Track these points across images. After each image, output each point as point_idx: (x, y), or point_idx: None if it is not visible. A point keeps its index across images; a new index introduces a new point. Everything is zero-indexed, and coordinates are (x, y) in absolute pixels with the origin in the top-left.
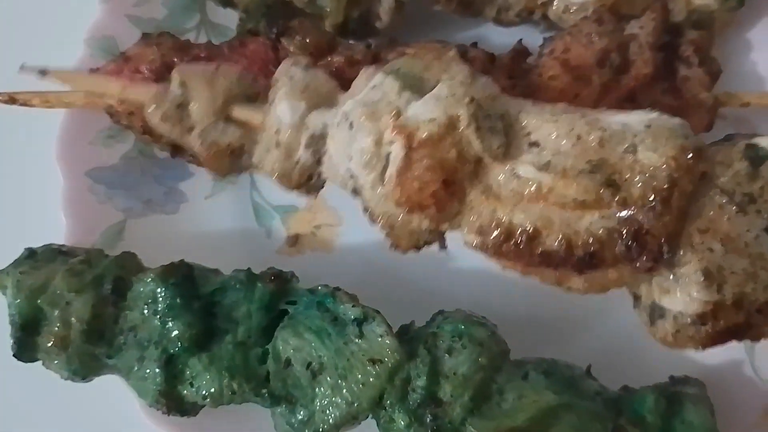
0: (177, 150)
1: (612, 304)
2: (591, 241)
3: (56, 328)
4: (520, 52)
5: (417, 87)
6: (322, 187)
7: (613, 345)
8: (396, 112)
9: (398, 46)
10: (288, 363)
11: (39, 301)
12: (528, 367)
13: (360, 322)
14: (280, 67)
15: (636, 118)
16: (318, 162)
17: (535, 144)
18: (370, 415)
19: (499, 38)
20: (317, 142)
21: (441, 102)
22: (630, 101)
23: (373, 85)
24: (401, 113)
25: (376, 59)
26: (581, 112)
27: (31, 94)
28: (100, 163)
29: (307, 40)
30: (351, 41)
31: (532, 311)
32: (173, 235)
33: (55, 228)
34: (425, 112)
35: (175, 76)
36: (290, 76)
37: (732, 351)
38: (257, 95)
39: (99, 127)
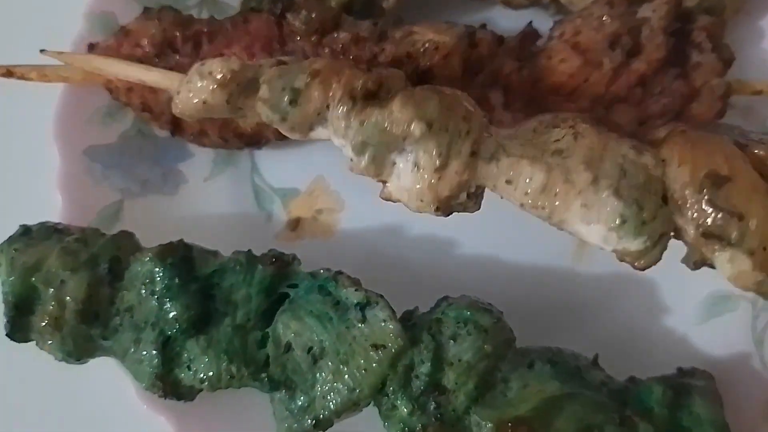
0: (177, 129)
1: (620, 293)
2: None
3: (50, 308)
4: (529, 34)
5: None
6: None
7: (620, 335)
8: None
9: (405, 25)
10: (288, 347)
11: (33, 279)
12: (533, 356)
13: (362, 307)
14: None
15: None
16: None
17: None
18: (372, 402)
19: (508, 22)
20: None
21: None
22: (641, 86)
23: None
24: None
25: (382, 37)
26: None
27: (29, 68)
28: (97, 142)
29: (313, 16)
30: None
31: (539, 299)
32: (171, 217)
33: (50, 207)
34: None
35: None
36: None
37: (740, 343)
38: None
39: (97, 104)
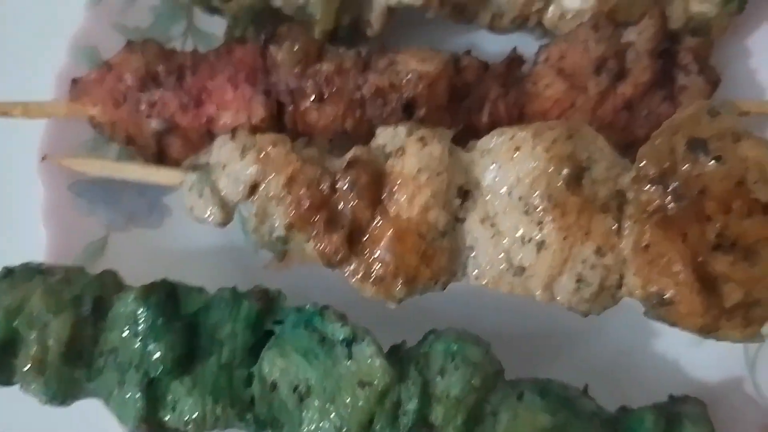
0: (163, 161)
1: (610, 319)
2: None
3: (33, 351)
4: (515, 59)
5: None
6: None
7: (611, 362)
8: None
9: (389, 53)
10: (274, 386)
11: (16, 322)
12: (523, 388)
13: (349, 343)
14: None
15: None
16: None
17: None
18: None
19: (494, 46)
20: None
21: None
22: (627, 110)
23: None
24: None
25: (366, 67)
26: None
27: (11, 104)
28: (82, 176)
29: (296, 47)
30: (340, 48)
31: (528, 328)
32: (157, 250)
33: (35, 243)
34: None
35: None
36: None
37: (732, 368)
38: None
39: (81, 138)
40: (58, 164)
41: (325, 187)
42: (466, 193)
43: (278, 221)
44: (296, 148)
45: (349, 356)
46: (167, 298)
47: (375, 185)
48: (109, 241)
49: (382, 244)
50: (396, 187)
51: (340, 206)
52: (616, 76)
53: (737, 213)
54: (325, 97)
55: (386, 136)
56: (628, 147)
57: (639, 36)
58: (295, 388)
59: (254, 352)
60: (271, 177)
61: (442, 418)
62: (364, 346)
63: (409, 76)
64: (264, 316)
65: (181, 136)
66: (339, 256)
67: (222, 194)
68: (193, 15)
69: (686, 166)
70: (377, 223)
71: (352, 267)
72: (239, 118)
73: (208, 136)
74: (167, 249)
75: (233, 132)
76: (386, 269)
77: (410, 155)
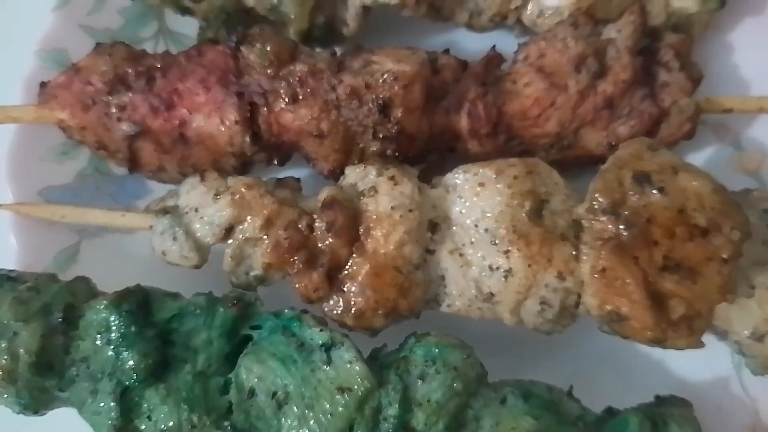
0: (135, 165)
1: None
2: None
3: (3, 361)
4: (493, 58)
5: None
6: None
7: (596, 362)
8: None
9: (364, 53)
10: (252, 393)
11: None
12: (506, 391)
13: (328, 348)
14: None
15: None
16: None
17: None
18: None
19: (473, 44)
20: None
21: None
22: (608, 108)
23: None
24: None
25: (340, 67)
26: None
27: None
28: (52, 182)
29: (268, 48)
30: (314, 49)
31: (512, 328)
32: (131, 255)
33: (6, 251)
34: None
35: None
36: None
37: (719, 368)
38: None
39: (51, 143)
40: (16, 211)
41: (303, 228)
42: (435, 227)
43: (256, 262)
44: (269, 189)
45: (328, 362)
46: (140, 305)
47: (351, 224)
48: (81, 247)
49: (360, 279)
50: (372, 225)
51: (319, 245)
52: (596, 74)
53: (680, 237)
54: (300, 98)
55: (356, 176)
56: (611, 147)
57: (619, 33)
58: (274, 395)
59: (231, 358)
60: (248, 219)
61: (424, 423)
62: (343, 351)
63: (384, 77)
64: (240, 323)
65: (152, 141)
66: (319, 294)
67: (197, 237)
68: (164, 16)
69: (634, 197)
70: (355, 259)
71: (331, 303)
72: (212, 121)
73: (181, 139)
74: (141, 254)
75: (202, 174)
76: (366, 303)
77: (383, 194)
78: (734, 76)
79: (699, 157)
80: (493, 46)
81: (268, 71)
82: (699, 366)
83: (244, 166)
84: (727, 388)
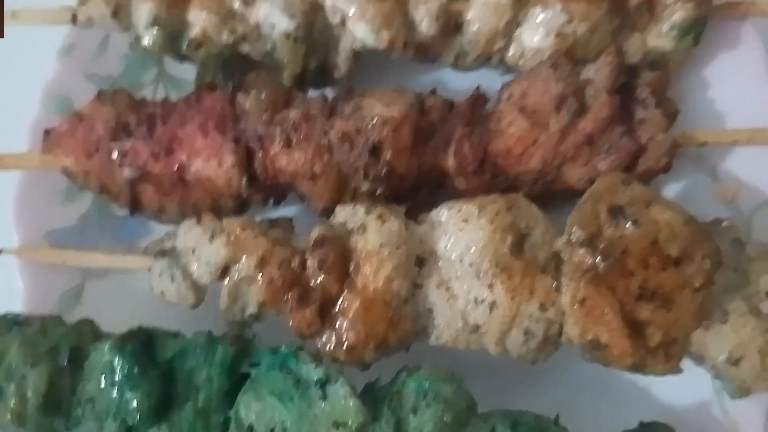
0: (136, 207)
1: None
2: None
3: (12, 403)
4: (478, 99)
5: None
6: None
7: (581, 390)
8: None
9: (354, 97)
10: (251, 429)
11: None
12: (495, 421)
13: (323, 384)
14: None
15: None
16: None
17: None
18: None
19: (459, 82)
20: None
21: None
22: (588, 145)
23: None
24: None
25: (332, 112)
26: None
27: None
28: (57, 225)
29: (263, 95)
30: (307, 94)
31: (498, 358)
32: (133, 295)
33: (13, 293)
34: None
35: None
36: None
37: (700, 392)
38: None
39: (56, 188)
40: (18, 255)
41: (295, 266)
42: (422, 262)
43: (251, 300)
44: (263, 229)
45: (324, 397)
46: (143, 345)
47: (342, 261)
48: (85, 287)
49: (351, 314)
50: (361, 262)
51: (311, 282)
52: (576, 113)
53: (654, 267)
54: (294, 142)
55: (346, 214)
56: (591, 182)
57: (597, 73)
58: (272, 431)
59: (231, 395)
60: (242, 259)
61: None
62: (338, 386)
63: (374, 121)
64: (239, 360)
65: (153, 183)
66: (312, 329)
67: (194, 278)
68: (164, 62)
69: (609, 229)
70: (346, 295)
71: (324, 338)
72: (210, 165)
73: (180, 182)
74: (143, 293)
75: (198, 217)
76: (357, 338)
77: (371, 232)
78: (710, 111)
79: (677, 186)
80: (478, 87)
81: (264, 117)
82: (681, 392)
83: (241, 206)
84: (709, 412)
